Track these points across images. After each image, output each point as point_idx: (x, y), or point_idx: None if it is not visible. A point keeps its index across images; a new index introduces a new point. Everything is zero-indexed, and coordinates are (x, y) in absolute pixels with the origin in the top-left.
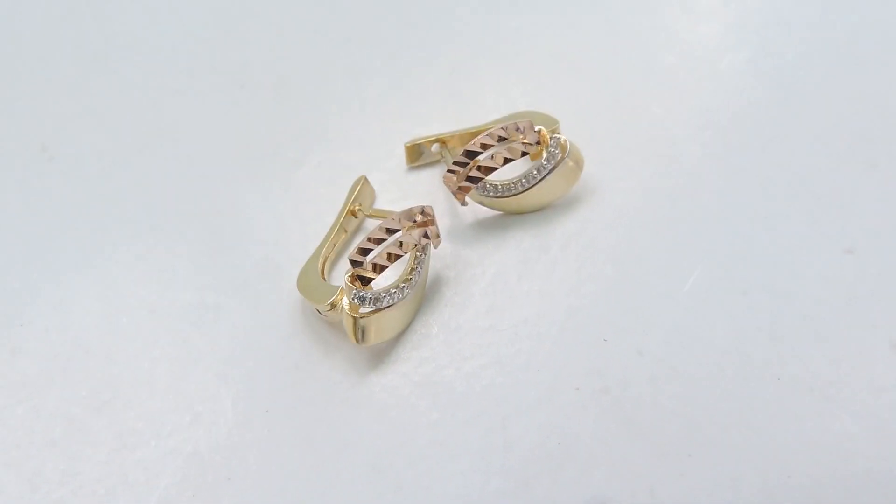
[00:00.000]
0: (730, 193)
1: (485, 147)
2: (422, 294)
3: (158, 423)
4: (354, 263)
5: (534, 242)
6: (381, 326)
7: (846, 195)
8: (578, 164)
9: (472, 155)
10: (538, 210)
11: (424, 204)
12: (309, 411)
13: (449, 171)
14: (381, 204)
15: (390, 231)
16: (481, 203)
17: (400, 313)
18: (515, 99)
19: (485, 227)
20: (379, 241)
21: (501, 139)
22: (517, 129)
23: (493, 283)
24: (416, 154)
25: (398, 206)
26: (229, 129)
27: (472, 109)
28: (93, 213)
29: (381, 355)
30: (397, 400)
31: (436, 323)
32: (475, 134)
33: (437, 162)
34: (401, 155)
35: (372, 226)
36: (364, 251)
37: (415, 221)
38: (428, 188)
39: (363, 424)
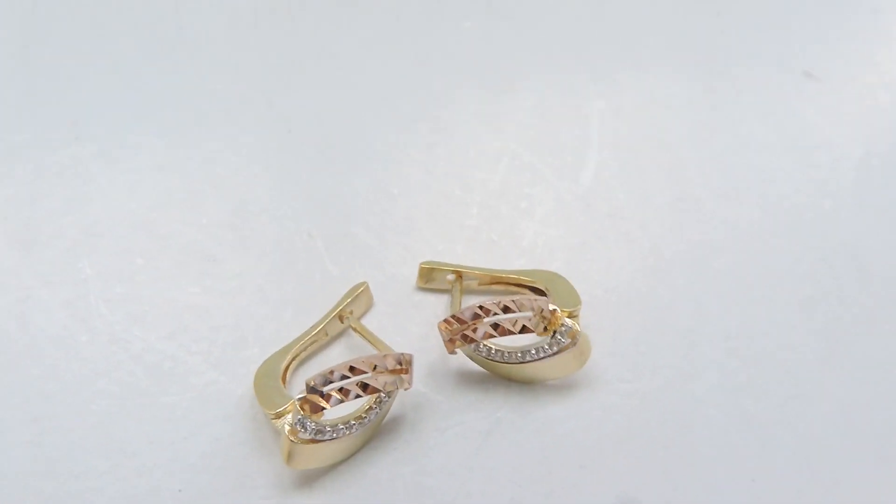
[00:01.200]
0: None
1: (504, 310)
2: (375, 428)
3: None
4: (311, 390)
5: (509, 415)
6: (316, 456)
7: None
8: (583, 356)
9: (475, 315)
10: (527, 382)
11: (405, 352)
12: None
13: (447, 320)
14: (377, 315)
15: (359, 371)
16: (471, 358)
17: (341, 446)
18: (553, 250)
19: (466, 380)
20: (344, 377)
21: (507, 310)
22: (531, 308)
23: (451, 444)
24: (429, 277)
25: (390, 325)
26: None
27: (504, 248)
28: None
29: (313, 477)
30: None
31: (379, 464)
32: (494, 279)
33: (447, 291)
34: (414, 269)
35: (350, 339)
36: (326, 381)
37: (392, 368)
38: (427, 315)
39: None
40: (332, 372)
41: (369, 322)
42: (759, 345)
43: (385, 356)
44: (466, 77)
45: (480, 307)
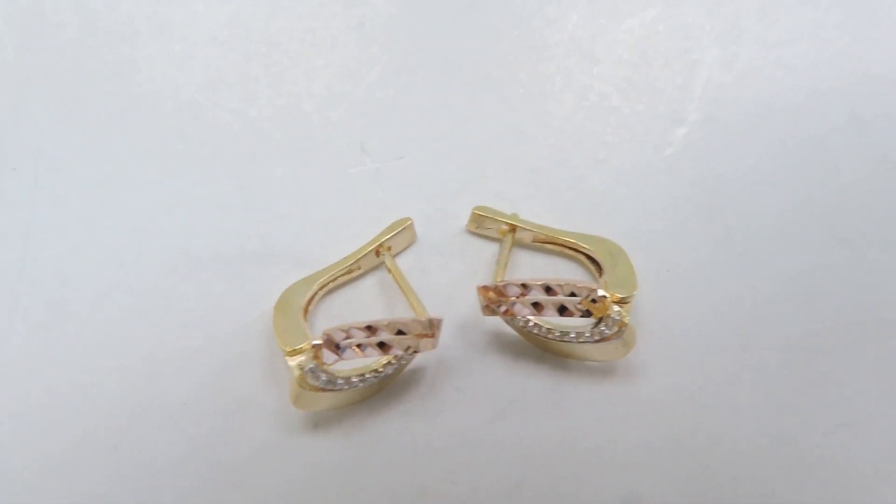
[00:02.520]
0: None
1: (546, 290)
2: (392, 380)
3: None
4: (327, 342)
5: (535, 388)
6: (325, 401)
7: None
8: (627, 347)
9: (516, 291)
10: (563, 357)
11: (434, 317)
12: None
13: (486, 287)
14: (419, 251)
15: (380, 332)
16: (507, 322)
17: (351, 394)
18: (621, 213)
19: (498, 342)
20: (371, 332)
21: (550, 290)
22: (590, 297)
23: (469, 408)
24: (481, 223)
25: (431, 264)
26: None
27: (568, 200)
28: None
29: (319, 416)
30: (308, 466)
31: (390, 414)
32: (550, 238)
33: (497, 240)
34: (467, 207)
35: (384, 275)
36: (344, 336)
37: (417, 333)
38: (471, 261)
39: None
40: (350, 329)
41: (410, 257)
42: (818, 362)
43: (412, 322)
44: None
45: (524, 285)
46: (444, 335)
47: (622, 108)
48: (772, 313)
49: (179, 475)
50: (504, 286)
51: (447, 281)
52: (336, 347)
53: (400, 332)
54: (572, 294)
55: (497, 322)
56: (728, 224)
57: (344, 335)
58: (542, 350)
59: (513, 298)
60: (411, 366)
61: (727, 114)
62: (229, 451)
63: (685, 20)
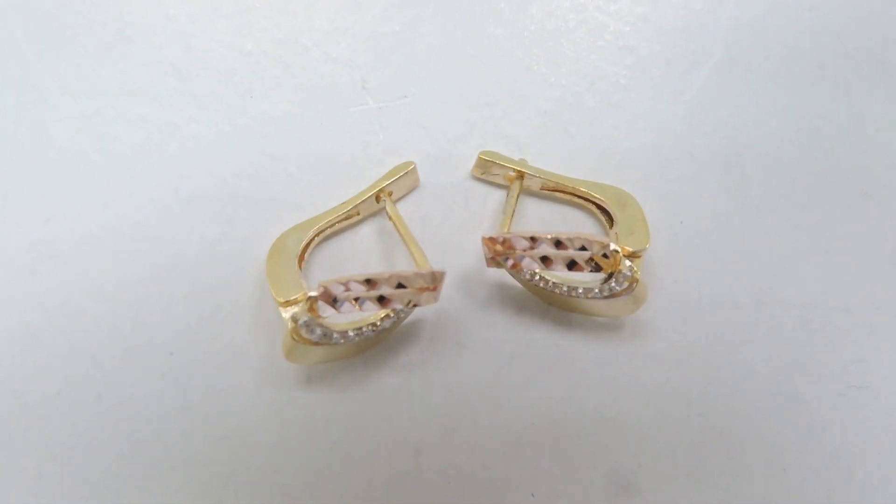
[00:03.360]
0: None
1: (556, 244)
2: (391, 332)
3: None
4: (323, 295)
5: (539, 344)
6: (318, 355)
7: None
8: (637, 303)
9: (534, 241)
10: (568, 311)
11: (437, 270)
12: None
13: (492, 238)
14: (422, 195)
15: (379, 285)
16: (513, 277)
17: (347, 348)
18: (635, 160)
19: (502, 294)
20: (371, 285)
21: (560, 244)
22: (601, 252)
23: (469, 364)
24: (487, 169)
25: (434, 209)
26: None
27: (580, 145)
28: None
29: (313, 368)
30: (300, 421)
31: (387, 369)
32: (559, 185)
33: (504, 186)
34: (474, 150)
35: (383, 221)
36: (342, 288)
37: (418, 287)
38: (476, 209)
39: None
40: (349, 282)
41: (412, 202)
42: (834, 320)
43: (414, 275)
44: None
45: (532, 238)
46: (445, 286)
47: (639, 49)
48: (789, 269)
49: (165, 428)
50: (512, 238)
51: (450, 229)
52: (333, 301)
53: (400, 286)
54: (583, 248)
55: (501, 273)
56: (746, 174)
57: (343, 288)
58: (547, 304)
59: (520, 252)
60: (410, 318)
61: (749, 57)
62: (217, 403)
63: None
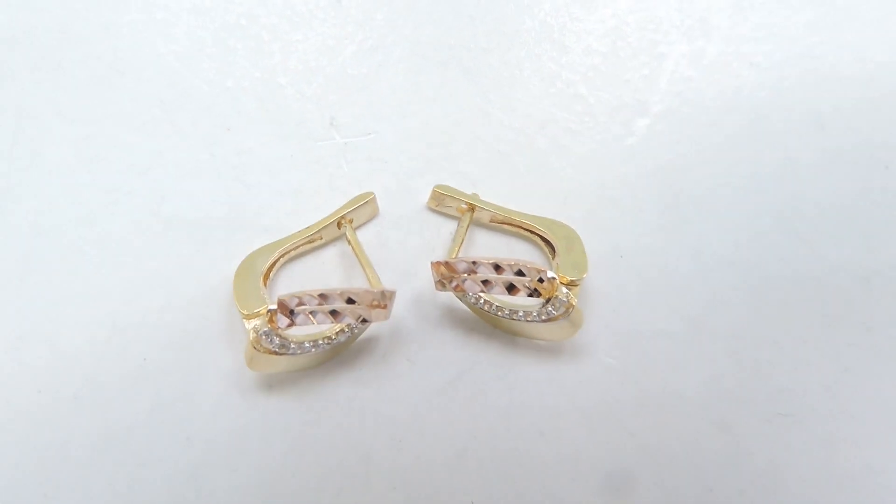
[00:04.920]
0: None
1: (495, 268)
2: (345, 347)
3: None
4: (281, 307)
5: (484, 363)
6: (277, 364)
7: None
8: (574, 327)
9: (467, 268)
10: (512, 335)
11: (386, 289)
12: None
13: (439, 263)
14: (381, 224)
15: (331, 300)
16: (459, 299)
17: (304, 359)
18: (579, 197)
19: (451, 316)
20: (323, 299)
21: (499, 269)
22: (537, 277)
23: (418, 378)
24: (441, 201)
25: (392, 237)
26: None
27: (529, 183)
28: None
29: (273, 377)
30: (260, 425)
31: (342, 380)
32: (506, 219)
33: (456, 217)
34: (430, 184)
35: (345, 245)
36: (298, 302)
37: (368, 303)
38: (430, 237)
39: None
40: (304, 296)
41: (371, 229)
42: (764, 354)
43: (364, 291)
44: None
45: (474, 262)
46: (399, 307)
47: (588, 97)
48: (720, 302)
49: (136, 428)
50: (455, 262)
51: (405, 255)
52: (290, 313)
53: (351, 301)
54: (520, 273)
55: (451, 298)
56: (683, 214)
57: (297, 301)
58: (493, 327)
59: (463, 275)
60: (365, 335)
61: (690, 107)
62: (185, 406)
63: (655, 13)
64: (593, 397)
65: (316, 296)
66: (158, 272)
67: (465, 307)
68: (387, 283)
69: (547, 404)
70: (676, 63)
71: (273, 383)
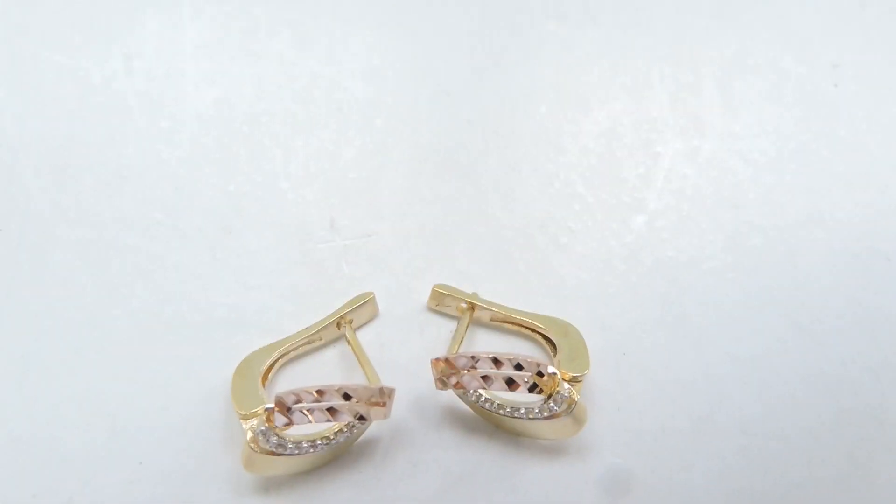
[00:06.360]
0: None
1: (494, 362)
2: (345, 449)
3: None
4: (278, 404)
5: (487, 464)
6: (275, 466)
7: None
8: (578, 424)
9: (467, 364)
10: (515, 435)
11: (391, 387)
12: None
13: (438, 360)
14: (381, 325)
15: (329, 397)
16: (461, 398)
17: (304, 461)
18: (580, 295)
19: (452, 417)
20: (314, 399)
21: (498, 363)
22: (536, 371)
23: (420, 481)
24: (441, 301)
25: (392, 338)
26: None
27: (530, 282)
28: None
29: (272, 481)
30: None
31: (342, 484)
32: (506, 318)
33: (456, 318)
34: (430, 284)
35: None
36: (296, 399)
37: (367, 401)
38: (431, 337)
39: None
40: (301, 392)
41: (371, 331)
42: (770, 448)
43: (361, 388)
44: (538, 85)
45: (473, 356)
46: (400, 408)
47: (586, 196)
48: (726, 398)
49: None
50: (455, 358)
51: (406, 356)
52: (287, 410)
53: (349, 398)
54: (519, 367)
55: (453, 398)
56: (685, 310)
57: (294, 398)
58: (495, 427)
59: (463, 371)
60: (365, 437)
61: (688, 204)
62: None
63: (650, 113)
64: (600, 498)
65: (313, 392)
66: (158, 374)
67: (466, 407)
68: (388, 383)
69: None
70: (672, 161)
71: (270, 487)
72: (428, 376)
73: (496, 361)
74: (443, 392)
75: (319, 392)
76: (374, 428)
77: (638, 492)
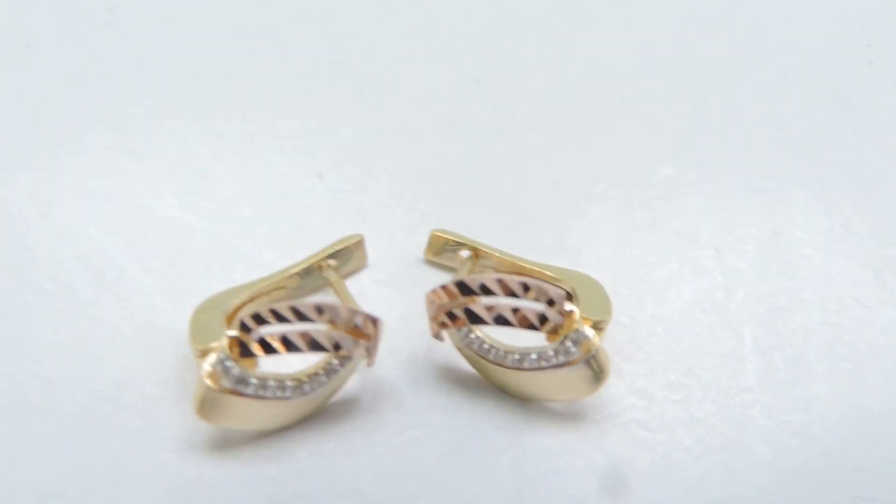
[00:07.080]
0: None
1: (505, 290)
2: (318, 404)
3: None
4: (243, 327)
5: (488, 433)
6: (235, 413)
7: None
8: (597, 378)
9: (483, 289)
10: (523, 399)
11: (377, 316)
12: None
13: (442, 287)
14: (369, 280)
15: (303, 316)
16: (460, 351)
17: (269, 411)
18: (602, 257)
19: (449, 378)
20: (284, 320)
21: (510, 292)
22: (541, 297)
23: (407, 450)
24: (440, 248)
25: (380, 294)
26: None
27: (542, 244)
28: None
29: (230, 441)
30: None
31: (314, 447)
32: (515, 267)
33: (454, 271)
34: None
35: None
36: (260, 319)
37: (354, 326)
38: (424, 295)
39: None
40: (271, 311)
41: (356, 284)
42: (833, 427)
43: (344, 308)
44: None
45: (501, 283)
46: (388, 367)
47: None
48: (779, 373)
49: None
50: (454, 285)
51: (397, 314)
52: (249, 333)
53: (321, 312)
54: (527, 289)
55: (450, 357)
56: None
57: (259, 317)
58: (499, 389)
59: (464, 302)
60: (344, 395)
61: None
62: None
63: None
64: (622, 476)
65: (287, 309)
66: (105, 322)
67: (465, 368)
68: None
69: (565, 483)
70: None
71: (225, 446)
72: (423, 336)
73: (500, 282)
74: (439, 350)
75: (294, 310)
76: (355, 386)
77: (672, 473)
